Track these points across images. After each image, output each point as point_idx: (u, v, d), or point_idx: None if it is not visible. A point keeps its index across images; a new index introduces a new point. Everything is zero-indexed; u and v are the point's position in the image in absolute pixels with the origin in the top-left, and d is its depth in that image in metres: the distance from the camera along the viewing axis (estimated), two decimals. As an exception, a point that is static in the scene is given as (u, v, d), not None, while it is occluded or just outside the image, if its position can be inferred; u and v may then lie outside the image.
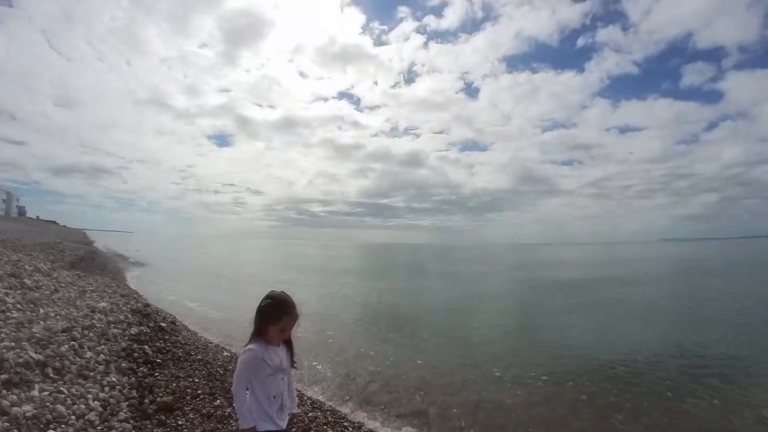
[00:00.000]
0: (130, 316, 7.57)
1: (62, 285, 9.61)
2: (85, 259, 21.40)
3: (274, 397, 2.38)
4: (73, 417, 3.73)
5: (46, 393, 3.92)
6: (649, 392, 6.60)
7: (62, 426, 3.54)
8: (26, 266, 10.90)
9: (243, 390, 2.29)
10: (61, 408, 3.76)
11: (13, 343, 4.57)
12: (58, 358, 4.64)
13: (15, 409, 3.48)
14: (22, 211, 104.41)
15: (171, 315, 9.69)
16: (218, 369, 6.15)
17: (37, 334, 5.05)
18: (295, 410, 2.63)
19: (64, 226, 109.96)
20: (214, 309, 12.71)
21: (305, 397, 5.78)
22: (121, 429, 3.85)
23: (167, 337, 7.25)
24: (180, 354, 6.50)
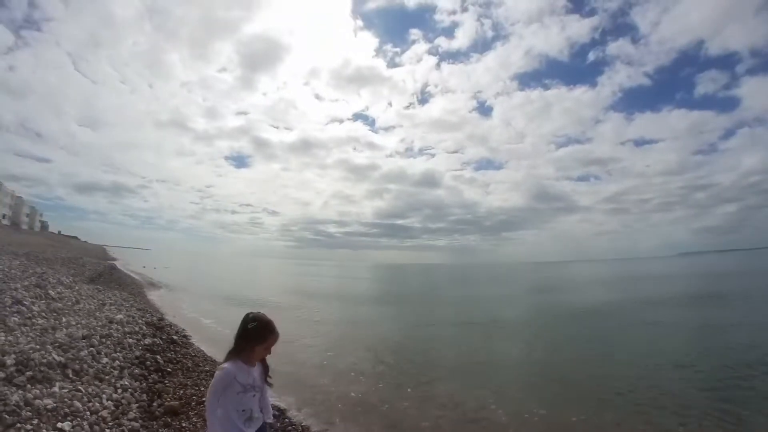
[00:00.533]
0: (144, 328, 8.04)
1: (83, 297, 10.16)
2: (104, 275, 22.13)
3: (243, 411, 2.56)
4: (88, 413, 4.14)
5: (66, 390, 4.34)
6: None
7: (78, 419, 3.95)
8: (50, 278, 11.53)
9: (215, 404, 2.46)
10: (78, 404, 4.18)
11: (38, 346, 5.04)
12: (77, 362, 5.09)
13: (37, 402, 3.91)
14: (44, 226, 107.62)
15: (183, 329, 10.12)
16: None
17: (60, 340, 5.53)
18: (270, 420, 2.84)
19: (85, 241, 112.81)
20: (225, 326, 13.08)
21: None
22: (130, 427, 4.24)
23: (178, 348, 7.68)
24: (189, 365, 6.90)
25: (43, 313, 6.97)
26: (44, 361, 4.68)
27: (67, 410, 4.01)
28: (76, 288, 11.57)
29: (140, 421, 4.45)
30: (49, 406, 3.92)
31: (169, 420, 4.71)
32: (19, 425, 3.54)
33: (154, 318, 9.57)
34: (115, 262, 39.28)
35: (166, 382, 5.82)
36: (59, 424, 3.77)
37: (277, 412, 5.36)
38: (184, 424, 4.67)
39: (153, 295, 19.43)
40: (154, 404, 4.96)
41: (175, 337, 8.27)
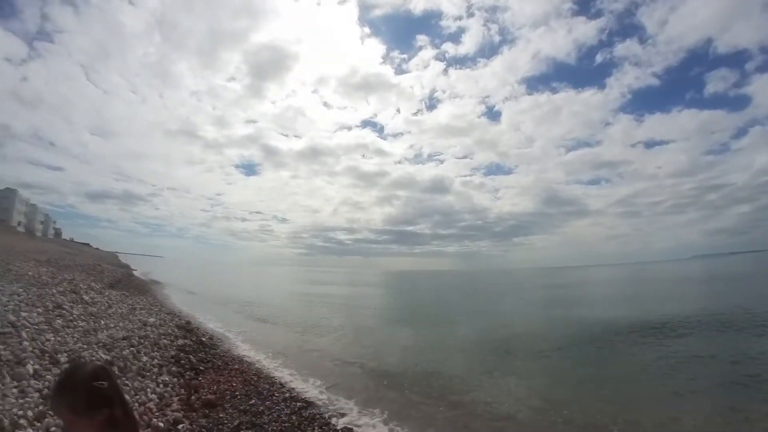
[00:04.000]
0: (176, 330, 8.50)
1: (114, 302, 10.68)
2: (123, 281, 22.72)
3: None
4: (136, 404, 4.56)
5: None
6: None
7: (129, 409, 4.36)
8: (81, 284, 12.08)
9: None
10: (126, 397, 4.58)
11: (85, 345, 5.49)
12: (121, 360, 5.52)
13: (93, 394, 4.32)
14: (58, 233, 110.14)
15: (209, 332, 10.57)
16: (252, 377, 6.91)
17: (103, 340, 5.98)
18: None
19: (97, 248, 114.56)
20: (243, 329, 13.52)
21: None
22: (173, 417, 4.64)
23: (207, 349, 8.11)
24: (219, 364, 7.32)
25: (82, 317, 7.44)
26: (94, 358, 5.11)
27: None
28: (106, 293, 12.12)
29: (182, 412, 4.86)
30: (103, 398, 4.34)
31: (207, 412, 5.10)
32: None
33: (183, 321, 10.06)
34: (131, 270, 39.84)
35: (201, 379, 6.24)
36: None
37: None
38: (221, 415, 5.07)
39: (173, 301, 19.98)
40: (192, 398, 5.37)
41: (203, 339, 8.72)
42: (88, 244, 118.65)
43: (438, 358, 10.29)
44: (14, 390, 3.86)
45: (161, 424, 4.37)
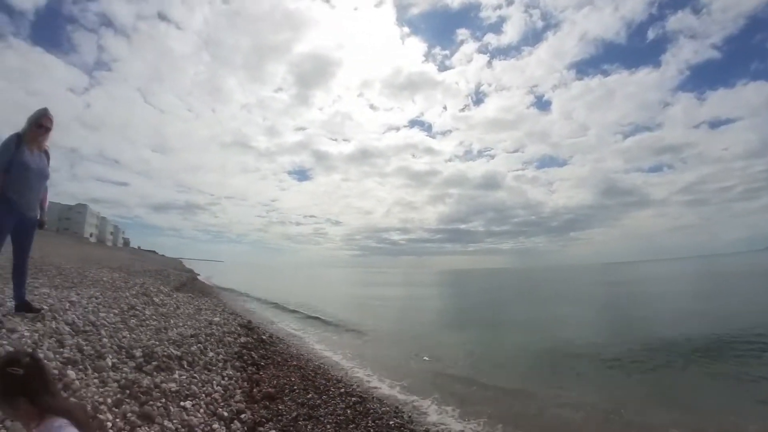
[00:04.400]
0: (238, 329, 8.95)
1: (181, 303, 11.36)
2: (187, 284, 24.12)
3: None
4: (203, 395, 4.86)
5: (184, 377, 5.11)
6: None
7: (196, 399, 4.66)
8: (151, 288, 12.94)
9: None
10: (194, 388, 4.91)
11: (157, 342, 5.91)
12: (189, 355, 5.90)
13: (164, 385, 4.66)
14: (126, 242, 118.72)
15: (268, 331, 11.03)
16: (310, 372, 7.18)
17: (173, 337, 6.41)
18: None
19: (163, 255, 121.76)
20: (299, 330, 13.98)
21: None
22: (237, 407, 4.91)
23: (267, 347, 8.49)
24: (279, 360, 7.65)
25: (154, 317, 7.99)
26: (165, 353, 5.50)
27: (187, 392, 4.74)
28: (174, 296, 12.91)
29: (244, 403, 5.13)
30: (173, 389, 4.66)
31: (268, 404, 5.37)
32: (151, 402, 4.27)
33: (244, 321, 10.56)
34: (194, 274, 41.90)
35: (261, 373, 6.56)
36: (182, 403, 4.48)
37: None
38: (280, 407, 5.32)
39: (234, 302, 20.95)
40: (254, 390, 5.66)
41: (264, 337, 9.12)
42: (154, 252, 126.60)
43: (495, 357, 10.23)
44: (95, 380, 4.23)
45: (226, 414, 4.64)
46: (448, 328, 15.86)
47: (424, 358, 9.98)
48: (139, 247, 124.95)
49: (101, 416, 3.62)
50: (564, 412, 6.45)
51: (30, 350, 2.24)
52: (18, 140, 4.50)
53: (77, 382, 3.95)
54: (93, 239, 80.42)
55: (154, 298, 10.53)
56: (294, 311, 19.66)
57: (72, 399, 3.51)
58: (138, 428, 3.70)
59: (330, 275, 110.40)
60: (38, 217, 4.98)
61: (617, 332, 13.44)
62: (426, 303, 27.32)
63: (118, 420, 3.67)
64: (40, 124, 4.67)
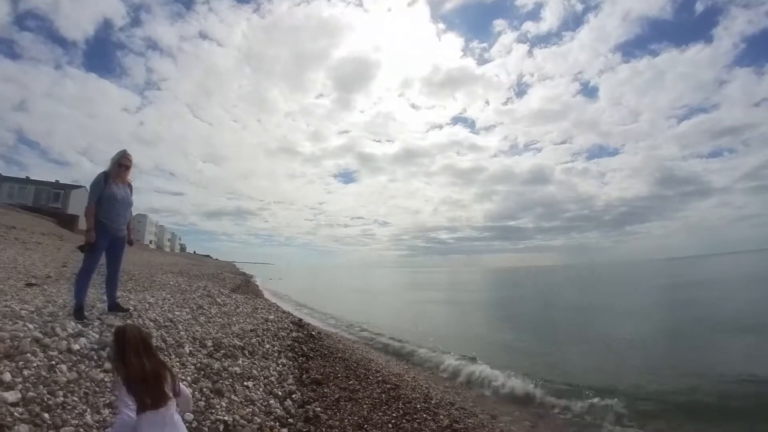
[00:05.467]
0: (290, 325, 10.01)
1: (240, 303, 12.60)
2: (242, 286, 25.70)
3: None
4: (261, 377, 5.87)
5: (246, 363, 6.15)
6: None
7: (256, 381, 5.67)
8: (212, 290, 14.32)
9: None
10: (255, 372, 5.94)
11: (223, 335, 7.01)
12: (250, 346, 6.96)
13: (230, 368, 5.70)
14: (183, 248, 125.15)
15: (317, 328, 12.08)
16: (353, 364, 8.11)
17: (236, 331, 7.52)
18: None
19: (217, 259, 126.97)
20: (350, 325, 14.99)
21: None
22: (289, 389, 5.89)
23: (316, 341, 9.47)
24: (325, 352, 8.61)
25: (218, 315, 9.18)
26: (230, 344, 6.59)
27: (248, 375, 5.76)
28: (233, 297, 14.24)
29: (295, 386, 6.11)
30: (237, 372, 5.70)
31: (315, 387, 6.32)
32: (221, 381, 5.29)
33: (296, 318, 11.61)
34: (248, 276, 43.58)
35: (310, 363, 7.54)
36: (245, 383, 5.50)
37: None
38: (325, 390, 6.26)
39: (286, 302, 22.32)
40: (304, 376, 6.64)
41: (313, 333, 10.12)
42: (209, 256, 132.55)
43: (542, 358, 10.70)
44: (177, 363, 5.31)
45: (279, 393, 5.63)
46: (496, 330, 16.32)
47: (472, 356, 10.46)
48: (194, 252, 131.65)
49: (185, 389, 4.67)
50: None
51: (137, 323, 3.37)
52: (105, 177, 5.65)
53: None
54: (153, 246, 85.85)
55: (217, 299, 11.82)
56: (332, 307, 20.66)
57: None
58: (211, 399, 4.71)
59: (376, 275, 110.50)
60: (126, 237, 6.15)
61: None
62: (475, 307, 27.49)
63: (197, 393, 4.71)
64: (120, 164, 5.81)
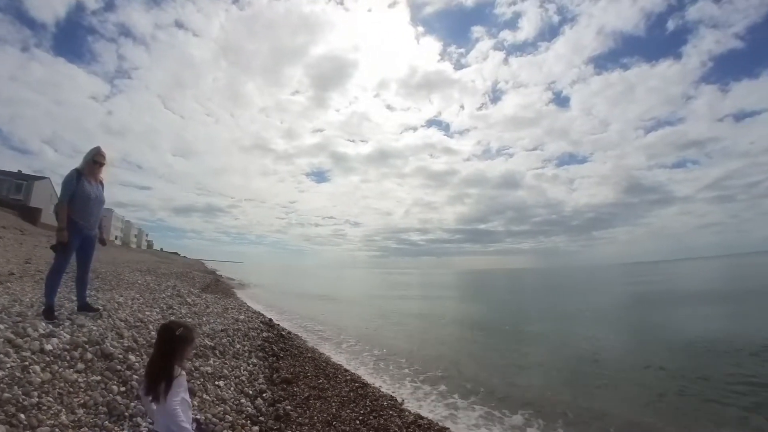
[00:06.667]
0: (261, 325, 10.14)
1: (210, 303, 12.60)
2: (212, 285, 25.39)
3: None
4: (232, 377, 6.01)
5: (217, 363, 6.27)
6: None
7: (227, 380, 5.81)
8: (182, 290, 14.22)
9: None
10: (226, 371, 6.07)
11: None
12: (221, 346, 7.07)
13: (202, 368, 5.82)
14: (150, 244, 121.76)
15: (287, 328, 12.21)
16: (322, 363, 8.32)
17: (207, 332, 7.60)
18: None
19: (185, 256, 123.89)
20: (320, 326, 15.11)
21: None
22: (259, 388, 6.05)
23: (286, 341, 9.64)
24: (295, 352, 8.80)
25: (188, 315, 9.22)
26: (202, 344, 6.68)
27: (220, 374, 5.89)
28: (203, 296, 14.20)
29: (266, 385, 6.27)
30: (209, 371, 5.82)
31: (285, 386, 6.49)
32: (192, 381, 5.41)
33: (266, 319, 11.74)
34: (217, 275, 42.19)
35: (280, 362, 7.72)
36: (216, 382, 5.63)
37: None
38: (295, 389, 6.45)
39: (257, 302, 22.18)
40: (274, 376, 6.82)
41: (283, 333, 10.29)
42: (177, 254, 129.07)
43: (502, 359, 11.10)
44: (150, 363, 5.40)
45: (250, 392, 5.79)
46: (456, 332, 16.72)
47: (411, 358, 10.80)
48: (162, 249, 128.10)
49: (157, 389, 4.77)
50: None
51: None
52: (78, 175, 5.63)
53: (137, 364, 5.11)
54: (118, 242, 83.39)
55: (187, 299, 11.79)
56: (303, 307, 20.77)
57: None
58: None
59: (344, 275, 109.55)
60: (98, 236, 6.15)
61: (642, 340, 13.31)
62: (443, 306, 27.95)
63: (169, 392, 4.82)
64: (95, 161, 5.80)
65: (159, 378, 2.71)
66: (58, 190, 5.93)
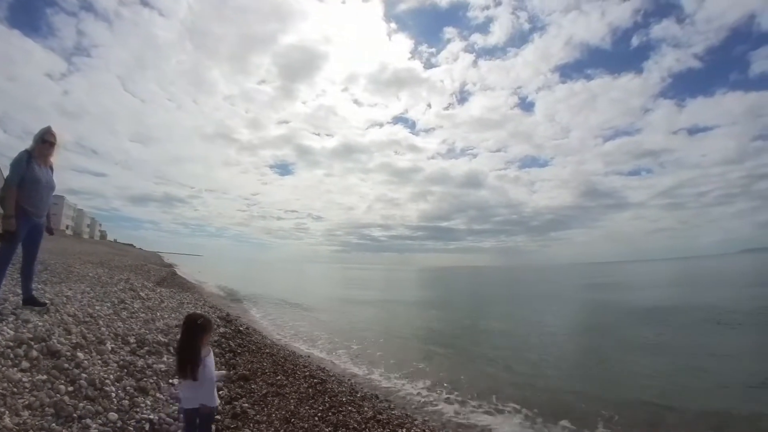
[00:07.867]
0: (218, 320, 9.94)
1: (165, 298, 12.24)
2: (168, 279, 24.65)
3: None
4: (188, 374, 5.87)
5: (171, 360, 6.10)
6: None
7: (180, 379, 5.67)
8: (136, 283, 13.74)
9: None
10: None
11: (147, 331, 6.88)
12: (175, 342, 6.88)
13: (155, 366, 5.67)
14: (103, 235, 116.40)
15: (245, 323, 12.02)
16: (280, 359, 8.24)
17: (161, 327, 7.39)
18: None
19: (141, 248, 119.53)
20: (276, 321, 15.01)
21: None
22: (216, 385, 5.93)
23: (244, 337, 9.50)
24: (253, 348, 8.68)
25: (142, 310, 8.92)
26: (155, 340, 6.50)
27: (174, 372, 5.74)
28: (157, 290, 13.76)
29: (222, 383, 6.15)
30: (162, 369, 5.67)
31: (242, 383, 6.42)
32: (145, 379, 5.26)
33: (223, 314, 11.52)
34: (174, 269, 41.32)
35: (237, 359, 7.60)
36: (170, 380, 5.50)
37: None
38: (253, 386, 6.38)
39: (214, 297, 21.76)
40: (231, 372, 6.70)
41: (241, 328, 10.12)
42: (132, 245, 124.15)
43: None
44: (99, 361, 5.21)
45: (207, 390, 5.68)
46: (417, 322, 17.01)
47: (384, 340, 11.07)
48: (116, 240, 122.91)
49: (106, 388, 4.62)
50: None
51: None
52: (28, 157, 5.31)
53: (86, 361, 4.93)
54: (69, 231, 79.43)
55: (141, 293, 11.40)
56: (262, 301, 20.52)
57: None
58: (136, 398, 4.70)
59: (307, 271, 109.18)
60: (45, 224, 5.85)
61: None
62: (404, 303, 28.27)
63: (120, 391, 4.68)
64: (45, 140, 5.44)
65: (186, 360, 3.37)
66: (5, 172, 5.59)
